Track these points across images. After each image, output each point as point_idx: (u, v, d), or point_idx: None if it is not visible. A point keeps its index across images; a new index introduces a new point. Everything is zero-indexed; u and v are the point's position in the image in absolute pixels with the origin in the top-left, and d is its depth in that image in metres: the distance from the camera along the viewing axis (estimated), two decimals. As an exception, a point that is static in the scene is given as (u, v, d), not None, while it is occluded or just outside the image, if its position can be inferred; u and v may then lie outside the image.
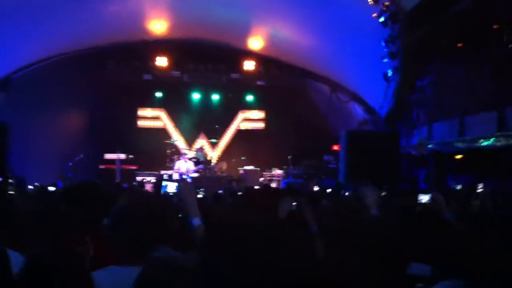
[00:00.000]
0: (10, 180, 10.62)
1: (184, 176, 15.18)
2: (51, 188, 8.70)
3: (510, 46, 10.64)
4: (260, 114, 20.85)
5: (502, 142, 10.24)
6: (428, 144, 13.56)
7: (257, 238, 1.55)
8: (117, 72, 18.35)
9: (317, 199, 5.18)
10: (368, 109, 17.08)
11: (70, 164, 15.44)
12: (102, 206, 3.27)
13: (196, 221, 2.82)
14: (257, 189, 4.92)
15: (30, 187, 11.29)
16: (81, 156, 15.69)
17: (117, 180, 16.46)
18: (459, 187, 10.41)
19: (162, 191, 7.21)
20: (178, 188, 3.39)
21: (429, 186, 12.52)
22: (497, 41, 11.20)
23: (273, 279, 1.51)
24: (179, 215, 2.99)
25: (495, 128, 10.40)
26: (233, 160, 18.61)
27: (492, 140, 10.67)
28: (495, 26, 11.59)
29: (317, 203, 4.35)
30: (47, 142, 16.19)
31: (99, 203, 3.32)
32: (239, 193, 6.17)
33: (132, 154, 17.65)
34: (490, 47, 11.50)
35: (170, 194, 6.82)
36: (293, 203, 3.34)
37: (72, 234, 2.83)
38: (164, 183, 7.74)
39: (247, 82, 19.57)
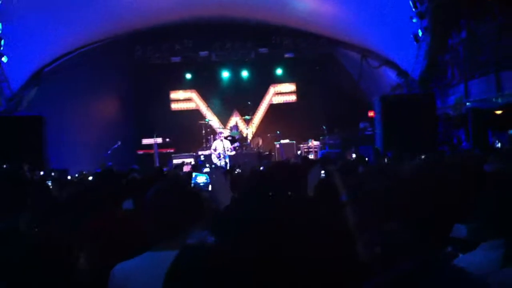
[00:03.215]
0: (52, 174, 10.86)
1: (222, 155, 15.28)
2: (90, 178, 8.85)
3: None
4: (291, 87, 20.73)
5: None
6: (466, 103, 13.28)
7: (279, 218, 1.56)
8: (145, 56, 18.52)
9: (353, 167, 5.14)
10: (401, 72, 16.75)
11: (109, 152, 15.72)
12: (118, 190, 3.39)
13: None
14: (283, 163, 4.92)
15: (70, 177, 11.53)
16: (119, 143, 15.94)
17: (156, 164, 16.72)
18: (499, 144, 10.19)
19: (192, 182, 7.24)
20: (209, 179, 3.42)
21: (470, 146, 12.29)
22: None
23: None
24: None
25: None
26: (269, 135, 18.63)
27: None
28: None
29: (353, 171, 4.33)
30: (83, 132, 16.56)
31: (113, 188, 3.43)
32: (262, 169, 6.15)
33: (169, 137, 17.85)
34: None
35: (200, 185, 6.84)
36: (322, 172, 3.33)
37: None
38: (193, 174, 7.78)
39: (276, 55, 19.46)
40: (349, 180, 3.53)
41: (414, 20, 13.89)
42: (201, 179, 7.53)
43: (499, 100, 11.65)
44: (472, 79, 13.17)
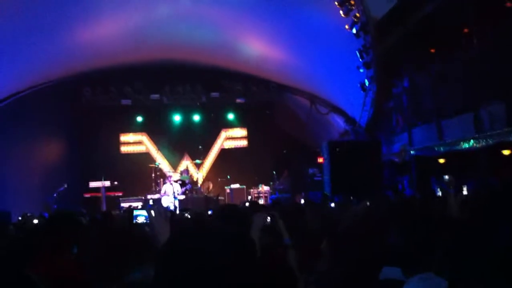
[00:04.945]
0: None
1: (173, 199, 15.12)
2: (35, 221, 8.63)
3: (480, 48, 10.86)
4: (242, 132, 20.87)
5: (481, 143, 10.42)
6: (410, 150, 13.73)
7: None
8: (94, 99, 18.36)
9: (301, 212, 5.25)
10: (348, 119, 17.27)
11: (54, 194, 15.30)
12: (72, 235, 3.35)
13: None
14: (230, 206, 5.00)
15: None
16: (65, 185, 15.55)
17: (103, 207, 16.36)
18: (439, 192, 10.54)
19: (133, 221, 7.18)
20: (148, 216, 3.42)
21: (413, 192, 12.64)
22: (468, 44, 11.45)
23: None
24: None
25: (472, 129, 10.59)
26: (219, 179, 18.60)
27: (471, 142, 10.85)
28: (465, 30, 11.85)
29: (301, 216, 4.42)
30: (28, 174, 16.07)
31: (68, 232, 3.38)
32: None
33: (117, 181, 17.54)
34: (461, 50, 11.75)
35: (140, 223, 6.77)
36: (267, 218, 3.41)
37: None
38: (135, 212, 7.73)
39: (227, 100, 19.68)
40: (294, 224, 3.62)
41: (361, 70, 14.44)
42: (141, 219, 7.42)
43: (441, 149, 12.11)
44: (415, 127, 13.68)
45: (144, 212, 7.95)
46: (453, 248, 2.25)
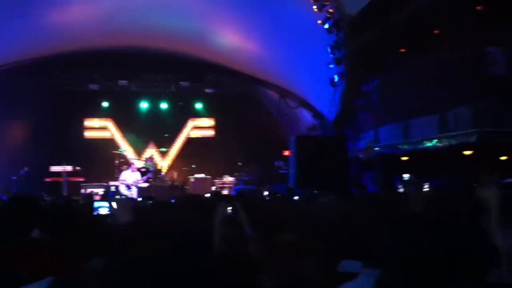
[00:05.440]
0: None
1: (132, 187, 14.90)
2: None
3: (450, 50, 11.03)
4: (210, 122, 20.79)
5: (444, 143, 10.60)
6: (375, 147, 13.89)
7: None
8: (62, 82, 17.98)
9: (264, 204, 5.23)
10: (316, 114, 17.34)
11: (14, 177, 14.92)
12: (31, 218, 3.27)
13: None
14: (194, 196, 4.97)
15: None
16: (26, 169, 15.19)
17: (64, 192, 16.05)
18: (401, 189, 10.72)
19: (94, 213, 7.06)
20: (110, 209, 3.36)
21: (376, 188, 12.81)
22: (439, 45, 11.62)
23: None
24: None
25: (437, 130, 10.77)
26: (184, 168, 18.48)
27: (434, 141, 11.03)
28: (435, 31, 12.02)
29: (258, 208, 4.40)
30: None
31: (27, 216, 3.29)
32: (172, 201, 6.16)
33: (79, 166, 17.22)
34: (432, 51, 11.92)
35: (102, 215, 6.67)
36: (229, 209, 3.38)
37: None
38: (96, 204, 7.63)
39: (196, 90, 19.55)
40: (257, 216, 3.59)
41: (331, 66, 14.50)
42: (103, 210, 7.36)
43: (405, 147, 12.28)
44: (382, 125, 13.84)
45: (106, 204, 7.83)
46: (408, 243, 2.27)
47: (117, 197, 12.48)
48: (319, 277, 2.04)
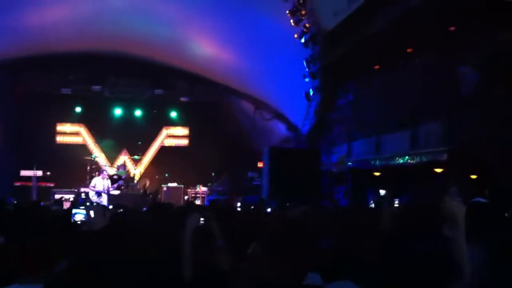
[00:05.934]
0: None
1: (103, 194, 14.70)
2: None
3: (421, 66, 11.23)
4: (184, 131, 20.72)
5: (415, 160, 10.76)
6: (348, 162, 14.02)
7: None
8: (33, 84, 17.71)
9: (236, 215, 5.24)
10: (291, 126, 17.45)
11: (-19, 181, 14.60)
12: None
13: None
14: (165, 204, 4.96)
15: None
16: (-6, 172, 14.89)
17: (34, 197, 15.77)
18: (372, 204, 10.81)
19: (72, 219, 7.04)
20: (87, 216, 3.34)
21: (348, 202, 12.91)
22: (410, 62, 11.82)
23: None
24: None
25: (408, 146, 10.92)
26: (157, 177, 18.34)
27: (406, 158, 11.19)
28: (408, 50, 12.23)
29: (231, 218, 4.42)
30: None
31: None
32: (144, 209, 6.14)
33: (50, 171, 16.96)
34: (404, 68, 12.12)
35: (78, 222, 6.63)
36: (201, 219, 3.39)
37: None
38: (74, 210, 7.61)
39: (171, 98, 19.50)
40: (229, 226, 3.60)
41: (306, 79, 14.63)
42: (79, 216, 7.27)
43: (377, 162, 12.43)
44: (355, 140, 13.98)
45: (82, 211, 7.81)
46: (375, 257, 2.30)
47: (94, 204, 12.35)
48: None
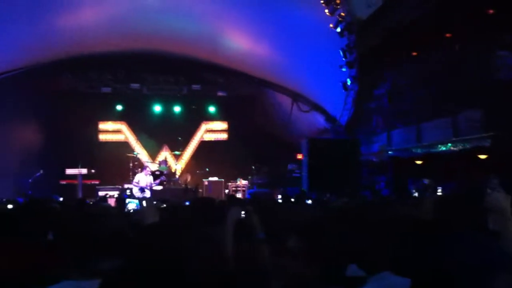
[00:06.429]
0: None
1: (146, 190, 14.99)
2: (10, 206, 8.51)
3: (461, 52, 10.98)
4: (223, 125, 20.86)
5: (458, 147, 10.55)
6: (388, 151, 13.85)
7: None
8: (74, 85, 18.18)
9: (277, 207, 5.25)
10: (329, 117, 17.33)
11: (30, 180, 15.10)
12: (46, 221, 3.32)
13: None
14: (207, 199, 5.02)
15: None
16: (41, 171, 15.35)
17: (79, 195, 16.20)
18: (415, 193, 10.67)
19: (124, 208, 7.45)
20: (138, 206, 3.43)
21: (390, 192, 12.76)
22: (450, 48, 11.57)
23: None
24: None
25: (450, 134, 10.71)
26: (197, 171, 18.54)
27: (449, 145, 10.98)
28: (446, 35, 11.97)
29: (272, 212, 4.43)
30: (4, 159, 15.82)
31: (43, 219, 3.36)
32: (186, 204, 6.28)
33: (94, 169, 17.39)
34: (442, 54, 11.87)
35: (131, 211, 6.92)
36: (242, 212, 3.42)
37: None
38: (127, 200, 8.05)
39: (209, 93, 19.66)
40: (270, 219, 3.62)
41: (343, 69, 14.49)
42: (132, 205, 7.93)
43: (418, 150, 12.24)
44: (394, 129, 13.79)
45: (135, 200, 8.33)
46: (415, 248, 2.28)
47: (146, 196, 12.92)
48: (325, 283, 2.07)
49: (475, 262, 1.92)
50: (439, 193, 10.42)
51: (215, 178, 17.44)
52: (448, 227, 2.68)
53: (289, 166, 17.56)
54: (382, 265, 2.27)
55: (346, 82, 14.81)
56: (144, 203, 3.18)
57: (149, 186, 14.83)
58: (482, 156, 10.44)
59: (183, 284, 1.56)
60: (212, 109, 20.52)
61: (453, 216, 2.82)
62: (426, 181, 11.64)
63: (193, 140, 20.64)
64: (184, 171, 19.67)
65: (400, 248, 2.19)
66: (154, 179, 15.31)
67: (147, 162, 17.95)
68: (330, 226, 3.33)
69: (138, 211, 5.87)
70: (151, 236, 1.67)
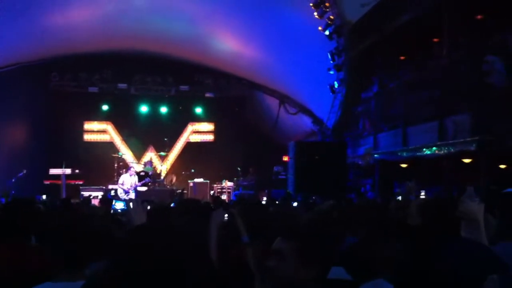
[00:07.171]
0: None
1: (130, 191, 14.87)
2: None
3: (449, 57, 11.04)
4: (209, 126, 20.79)
5: (443, 150, 10.59)
6: (374, 154, 13.88)
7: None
8: (61, 84, 18.04)
9: (262, 210, 5.22)
10: (316, 120, 17.36)
11: (13, 180, 14.90)
12: (29, 223, 3.28)
13: None
14: (192, 200, 4.98)
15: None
16: (24, 171, 15.14)
17: (63, 195, 16.03)
18: (399, 197, 10.69)
19: (111, 209, 7.42)
20: (126, 207, 3.37)
21: (376, 195, 12.79)
22: (438, 53, 11.64)
23: None
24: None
25: (436, 138, 10.76)
26: (183, 173, 18.46)
27: (434, 149, 11.02)
28: (435, 40, 12.04)
29: (262, 214, 4.39)
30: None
31: (25, 220, 3.30)
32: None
33: (78, 169, 17.22)
34: (431, 59, 11.93)
35: (118, 211, 6.88)
36: (225, 215, 3.39)
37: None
38: (114, 200, 8.06)
39: (197, 94, 19.60)
40: (255, 222, 3.58)
41: (331, 72, 14.53)
42: (119, 205, 8.14)
43: (404, 154, 12.27)
44: (381, 132, 13.84)
45: (120, 201, 8.39)
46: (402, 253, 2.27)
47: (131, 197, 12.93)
48: (313, 285, 2.04)
49: (465, 265, 1.91)
50: (422, 197, 10.46)
51: (201, 180, 17.37)
52: (432, 231, 2.68)
53: (275, 168, 17.54)
54: (373, 271, 2.24)
55: (333, 85, 14.86)
56: (131, 204, 3.13)
57: (134, 187, 14.73)
58: (467, 160, 10.50)
59: (171, 285, 1.53)
60: (199, 110, 20.44)
61: (431, 221, 2.82)
62: (409, 183, 11.68)
63: (179, 141, 20.55)
64: (170, 172, 19.57)
65: (391, 253, 2.18)
66: (139, 180, 15.21)
67: (132, 162, 17.82)
68: (316, 228, 3.31)
69: (125, 212, 5.84)
70: (139, 237, 1.64)
